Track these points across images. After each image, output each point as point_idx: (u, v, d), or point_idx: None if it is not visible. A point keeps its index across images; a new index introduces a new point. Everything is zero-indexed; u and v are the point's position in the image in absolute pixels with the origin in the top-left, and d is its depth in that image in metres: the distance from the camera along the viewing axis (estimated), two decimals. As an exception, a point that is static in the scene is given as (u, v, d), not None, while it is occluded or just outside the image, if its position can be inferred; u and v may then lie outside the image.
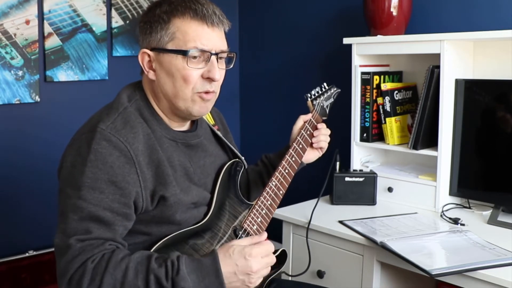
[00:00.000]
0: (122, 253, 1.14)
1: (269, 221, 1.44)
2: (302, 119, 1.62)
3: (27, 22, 2.39)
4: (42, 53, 2.45)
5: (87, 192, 1.14)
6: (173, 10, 1.25)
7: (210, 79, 1.26)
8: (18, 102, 2.40)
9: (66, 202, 1.15)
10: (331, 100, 1.74)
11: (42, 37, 2.45)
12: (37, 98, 2.45)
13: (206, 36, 1.25)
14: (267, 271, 1.22)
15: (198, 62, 1.25)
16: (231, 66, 1.34)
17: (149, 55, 1.27)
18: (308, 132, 1.60)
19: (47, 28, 2.45)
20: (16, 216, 2.44)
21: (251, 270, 1.17)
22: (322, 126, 1.64)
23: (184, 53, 1.23)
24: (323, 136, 1.62)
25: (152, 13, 1.27)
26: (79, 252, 1.10)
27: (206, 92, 1.28)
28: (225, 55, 1.31)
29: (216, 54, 1.27)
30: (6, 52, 2.35)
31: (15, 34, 2.36)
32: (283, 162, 1.50)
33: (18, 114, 2.42)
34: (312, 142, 1.61)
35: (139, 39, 1.31)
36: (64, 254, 1.11)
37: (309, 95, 1.68)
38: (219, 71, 1.27)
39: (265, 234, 1.30)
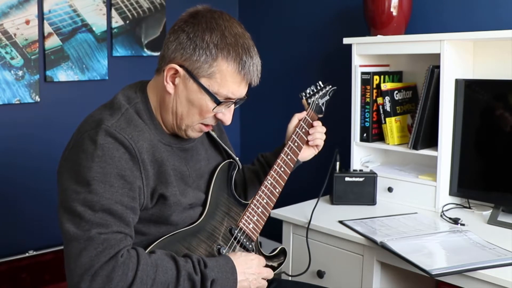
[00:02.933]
0: (146, 247, 1.18)
1: (265, 219, 1.44)
2: (296, 117, 1.62)
3: (27, 22, 2.39)
4: (42, 53, 2.45)
5: (98, 186, 1.13)
6: (223, 49, 1.21)
7: (221, 121, 1.30)
8: (18, 102, 2.40)
9: (74, 198, 1.13)
10: (327, 97, 1.74)
11: (42, 37, 2.45)
12: (37, 98, 2.45)
13: (240, 91, 1.27)
14: (263, 281, 1.36)
15: (220, 106, 1.26)
16: (238, 105, 1.34)
17: (178, 71, 1.23)
18: (304, 130, 1.60)
19: (47, 28, 2.45)
20: (16, 216, 2.44)
21: (255, 271, 1.32)
22: (317, 124, 1.63)
23: (216, 101, 1.24)
24: (318, 134, 1.62)
25: (200, 34, 1.21)
26: (104, 245, 1.09)
27: (208, 125, 1.31)
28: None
29: (237, 101, 1.29)
30: (6, 52, 2.35)
31: (15, 34, 2.36)
32: (278, 161, 1.51)
33: (18, 114, 2.42)
34: (308, 139, 1.61)
35: (171, 44, 1.24)
36: (85, 247, 1.09)
37: (303, 93, 1.69)
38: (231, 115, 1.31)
39: (253, 254, 1.41)
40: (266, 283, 1.37)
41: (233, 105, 1.29)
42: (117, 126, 1.19)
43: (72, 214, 1.12)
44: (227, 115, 1.30)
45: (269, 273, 1.38)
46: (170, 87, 1.25)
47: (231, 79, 1.23)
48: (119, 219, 1.14)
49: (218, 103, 1.24)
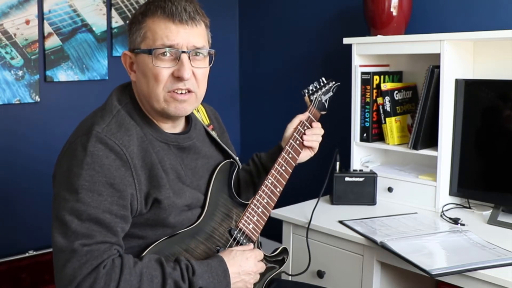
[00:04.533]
0: (132, 258, 1.15)
1: (266, 219, 1.42)
2: (298, 118, 1.60)
3: (27, 22, 2.39)
4: (42, 53, 2.45)
5: (86, 194, 1.12)
6: (147, 11, 1.25)
7: (180, 78, 1.23)
8: (18, 102, 2.40)
9: (63, 206, 1.13)
10: (330, 94, 1.71)
11: (42, 37, 2.45)
12: (37, 98, 2.45)
13: (174, 33, 1.22)
14: (258, 275, 1.34)
15: (169, 61, 1.23)
16: (210, 65, 1.30)
17: (130, 57, 1.28)
18: (306, 128, 1.58)
19: (47, 28, 2.45)
20: (16, 216, 2.44)
21: (252, 270, 1.29)
22: (316, 126, 1.61)
23: (149, 51, 1.22)
24: (315, 136, 1.59)
25: (133, 16, 1.29)
26: (87, 257, 1.09)
27: (177, 92, 1.24)
28: (203, 52, 1.27)
29: (188, 52, 1.23)
30: (6, 52, 2.35)
31: (15, 34, 2.36)
32: (280, 159, 1.49)
33: (18, 114, 2.42)
34: (303, 140, 1.57)
35: None
36: (69, 259, 1.09)
37: (306, 90, 1.66)
38: (190, 70, 1.23)
39: (252, 245, 1.37)
40: (258, 276, 1.35)
41: (184, 56, 1.23)
42: (108, 130, 1.19)
43: (61, 223, 1.12)
44: (181, 69, 1.22)
45: (263, 267, 1.36)
46: (133, 76, 1.29)
47: (158, 27, 1.23)
48: (105, 228, 1.13)
49: (150, 52, 1.22)
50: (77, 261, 1.09)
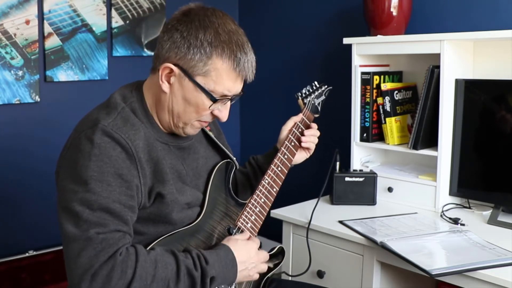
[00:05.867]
0: (143, 248, 1.17)
1: (263, 218, 1.45)
2: (292, 120, 1.63)
3: (27, 22, 2.39)
4: (42, 53, 2.45)
5: (95, 184, 1.13)
6: (217, 47, 1.21)
7: (218, 118, 1.30)
8: (18, 102, 2.40)
9: (72, 198, 1.13)
10: (323, 97, 1.75)
11: (42, 37, 2.45)
12: (37, 98, 2.45)
13: (236, 87, 1.28)
14: (264, 265, 1.38)
15: (216, 103, 1.27)
16: (234, 101, 1.34)
17: (174, 72, 1.23)
18: (300, 130, 1.61)
19: (47, 28, 2.45)
20: (16, 216, 2.44)
21: (254, 259, 1.33)
22: (313, 127, 1.64)
23: (212, 98, 1.24)
24: (312, 137, 1.62)
25: (194, 33, 1.21)
26: (103, 245, 1.09)
27: (205, 121, 1.32)
28: None
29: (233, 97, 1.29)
30: (6, 52, 2.35)
31: (15, 34, 2.36)
32: (275, 160, 1.51)
33: (18, 114, 2.42)
34: (301, 141, 1.60)
35: (165, 44, 1.23)
36: (84, 248, 1.09)
37: (299, 93, 1.69)
38: (228, 112, 1.31)
39: (248, 233, 1.40)
40: (266, 266, 1.39)
41: (229, 102, 1.30)
42: (114, 125, 1.19)
43: (71, 214, 1.12)
44: (223, 112, 1.30)
45: (266, 256, 1.40)
46: (165, 86, 1.25)
47: (226, 76, 1.24)
48: (117, 217, 1.14)
49: (214, 101, 1.25)
50: (93, 249, 1.09)
